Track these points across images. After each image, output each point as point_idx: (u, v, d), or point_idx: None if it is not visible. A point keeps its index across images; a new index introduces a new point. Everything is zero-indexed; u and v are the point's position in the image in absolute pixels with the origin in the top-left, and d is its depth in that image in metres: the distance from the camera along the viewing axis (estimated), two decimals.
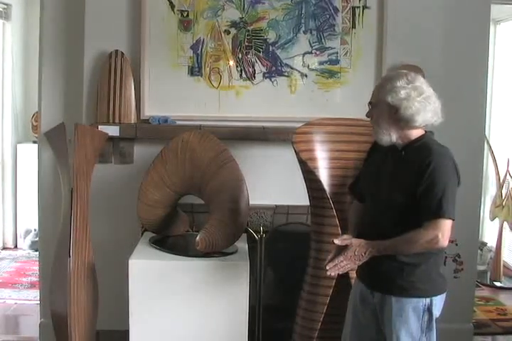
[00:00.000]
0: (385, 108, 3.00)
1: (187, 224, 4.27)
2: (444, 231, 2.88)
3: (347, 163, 3.93)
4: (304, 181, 3.88)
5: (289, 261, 4.41)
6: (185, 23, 4.42)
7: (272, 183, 4.47)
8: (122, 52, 4.38)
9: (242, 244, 4.01)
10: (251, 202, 3.97)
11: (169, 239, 4.15)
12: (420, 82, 3.00)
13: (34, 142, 6.76)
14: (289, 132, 4.02)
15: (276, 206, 4.50)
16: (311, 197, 3.88)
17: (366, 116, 3.14)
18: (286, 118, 4.42)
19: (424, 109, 2.95)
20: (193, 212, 4.35)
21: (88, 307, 3.90)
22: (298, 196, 4.12)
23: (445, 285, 3.12)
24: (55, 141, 4.16)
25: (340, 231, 3.69)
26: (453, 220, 2.91)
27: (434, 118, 3.01)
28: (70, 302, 3.76)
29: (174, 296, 3.71)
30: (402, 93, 2.94)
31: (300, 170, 3.85)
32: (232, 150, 4.04)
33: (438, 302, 3.06)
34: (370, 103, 3.11)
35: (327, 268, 3.03)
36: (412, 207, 2.94)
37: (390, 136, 3.02)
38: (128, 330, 3.73)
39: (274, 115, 4.45)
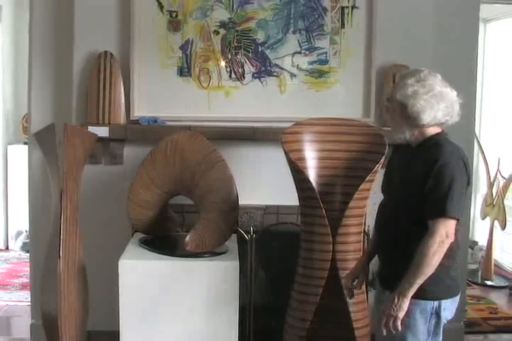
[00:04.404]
0: (396, 105, 3.03)
1: (177, 225, 4.28)
2: (448, 229, 2.87)
3: (336, 163, 3.93)
4: (293, 181, 3.88)
5: (279, 261, 4.41)
6: (175, 24, 4.42)
7: (262, 183, 4.48)
8: (111, 53, 4.38)
9: (233, 244, 4.02)
10: (241, 203, 3.98)
11: (159, 239, 4.14)
12: (433, 80, 3.00)
13: (25, 143, 6.75)
14: (278, 132, 4.01)
15: (267, 206, 4.51)
16: (300, 197, 3.88)
17: (384, 112, 3.18)
18: (276, 118, 4.42)
19: (432, 107, 2.95)
20: (183, 212, 4.35)
21: (79, 307, 3.90)
22: (288, 196, 4.11)
23: (457, 288, 3.10)
24: (45, 141, 4.15)
25: (329, 231, 3.70)
26: (457, 220, 2.91)
27: (446, 118, 3.01)
28: (61, 303, 3.76)
29: (164, 296, 3.71)
30: (410, 90, 2.96)
31: (290, 170, 3.85)
32: (221, 150, 4.04)
33: (448, 306, 3.04)
34: (386, 99, 3.16)
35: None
36: (419, 207, 2.93)
37: (404, 134, 3.05)
38: (119, 331, 3.74)
39: (263, 115, 4.45)
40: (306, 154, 3.93)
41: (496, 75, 7.25)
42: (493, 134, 7.30)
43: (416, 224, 2.95)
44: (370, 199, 3.83)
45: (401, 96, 2.98)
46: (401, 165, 3.13)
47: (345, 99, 4.52)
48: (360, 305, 3.85)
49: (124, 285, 3.68)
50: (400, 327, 2.91)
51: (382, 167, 3.83)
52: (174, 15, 4.43)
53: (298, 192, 3.89)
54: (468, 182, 3.00)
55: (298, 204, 3.94)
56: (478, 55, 4.89)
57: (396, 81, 3.13)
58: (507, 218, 6.61)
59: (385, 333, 2.95)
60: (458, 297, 3.10)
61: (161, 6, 4.41)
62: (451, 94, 3.02)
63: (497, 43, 7.23)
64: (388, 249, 3.16)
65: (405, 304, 2.89)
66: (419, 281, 2.87)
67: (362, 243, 3.95)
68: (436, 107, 2.96)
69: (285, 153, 3.81)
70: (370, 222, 4.19)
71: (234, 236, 4.11)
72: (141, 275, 3.71)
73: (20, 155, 7.07)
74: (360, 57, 4.51)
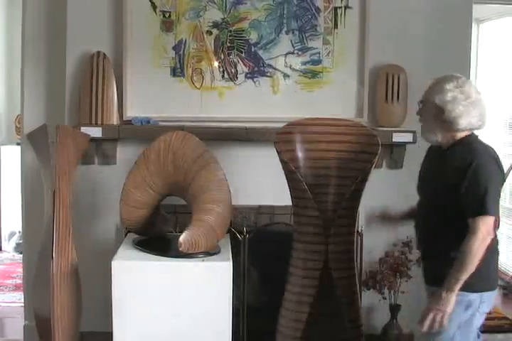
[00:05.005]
0: (432, 108, 3.10)
1: (170, 225, 4.27)
2: (487, 226, 2.98)
3: (329, 163, 3.93)
4: (286, 181, 3.88)
5: (272, 262, 4.41)
6: (167, 24, 4.42)
7: (255, 184, 4.48)
8: (104, 54, 4.38)
9: (226, 245, 4.00)
10: (234, 203, 3.97)
11: (152, 240, 4.12)
12: (469, 86, 3.09)
13: (18, 144, 6.72)
14: (271, 132, 4.02)
15: (260, 206, 4.51)
16: (293, 197, 3.88)
17: (416, 114, 3.23)
18: (269, 118, 4.43)
19: (468, 113, 3.04)
20: (176, 212, 4.34)
21: (72, 308, 3.89)
22: (281, 196, 4.11)
23: (495, 282, 3.19)
24: (38, 142, 4.15)
25: (322, 231, 3.70)
26: (494, 216, 3.03)
27: (479, 123, 3.12)
28: (54, 304, 3.75)
29: (157, 297, 3.69)
30: (449, 96, 3.04)
31: (283, 171, 3.85)
32: (214, 150, 4.03)
33: (487, 299, 3.11)
34: (420, 102, 3.22)
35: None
36: (453, 206, 3.02)
37: (436, 136, 3.13)
38: (112, 332, 3.73)
39: (256, 115, 4.46)
40: (299, 154, 3.93)
41: (489, 75, 7.25)
42: (487, 135, 7.29)
43: (448, 223, 3.06)
44: (363, 199, 3.84)
45: (439, 100, 3.06)
46: (433, 165, 3.23)
47: (338, 99, 4.52)
48: (354, 306, 3.85)
49: (117, 285, 3.66)
50: (446, 322, 3.00)
51: (375, 167, 3.85)
52: (167, 15, 4.42)
53: (291, 193, 3.89)
54: (504, 180, 3.12)
55: (291, 204, 3.94)
56: (471, 56, 4.90)
57: (431, 84, 3.16)
58: (501, 218, 6.60)
59: (429, 327, 3.01)
60: (496, 291, 3.18)
61: (154, 6, 4.41)
62: (483, 100, 3.12)
63: (490, 43, 7.23)
64: (426, 246, 3.28)
65: (453, 299, 2.97)
66: (464, 277, 2.95)
67: (355, 243, 3.95)
68: (472, 113, 3.06)
69: (278, 153, 3.81)
70: (364, 222, 4.21)
71: (227, 237, 4.10)
72: (135, 276, 3.69)
73: (13, 156, 7.04)
74: (353, 58, 4.52)
